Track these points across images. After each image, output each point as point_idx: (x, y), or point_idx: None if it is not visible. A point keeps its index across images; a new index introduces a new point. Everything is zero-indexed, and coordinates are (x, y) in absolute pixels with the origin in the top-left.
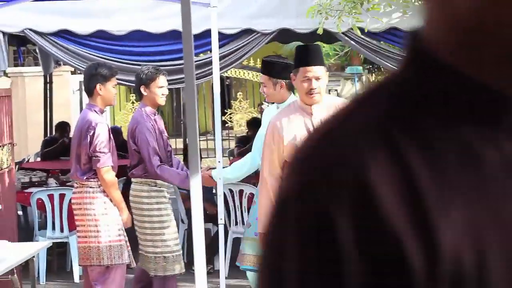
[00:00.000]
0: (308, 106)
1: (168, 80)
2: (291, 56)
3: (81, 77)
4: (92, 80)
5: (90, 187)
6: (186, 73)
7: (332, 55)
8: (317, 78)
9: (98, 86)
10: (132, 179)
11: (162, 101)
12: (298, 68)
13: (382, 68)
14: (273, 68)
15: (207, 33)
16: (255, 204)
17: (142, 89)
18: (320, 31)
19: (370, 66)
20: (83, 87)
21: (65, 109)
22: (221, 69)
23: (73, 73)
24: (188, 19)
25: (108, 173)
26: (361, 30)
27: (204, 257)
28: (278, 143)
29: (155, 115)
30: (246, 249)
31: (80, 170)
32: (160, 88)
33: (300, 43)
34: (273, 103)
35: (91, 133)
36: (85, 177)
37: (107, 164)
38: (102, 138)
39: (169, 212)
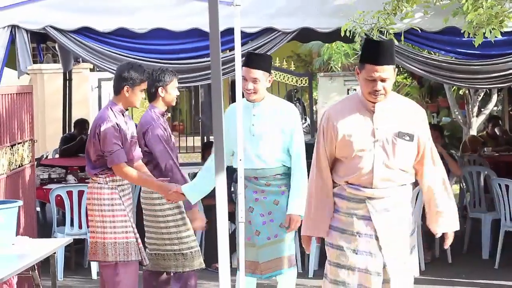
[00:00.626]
0: (370, 102)
1: (187, 78)
2: (309, 55)
3: (100, 75)
4: (121, 80)
5: (98, 183)
6: (213, 71)
7: (352, 54)
8: (383, 80)
9: (126, 88)
10: None
11: (174, 101)
12: (364, 64)
13: (401, 68)
14: (267, 62)
15: (229, 31)
16: (253, 211)
17: (160, 90)
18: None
19: None
20: (102, 84)
21: (83, 106)
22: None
23: (92, 70)
24: (215, 17)
25: (120, 171)
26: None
27: (228, 255)
28: (331, 138)
29: (163, 116)
30: (262, 257)
31: (90, 165)
32: (176, 89)
33: (320, 42)
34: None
35: (97, 131)
36: (94, 173)
37: (116, 161)
38: (107, 136)
39: (182, 210)
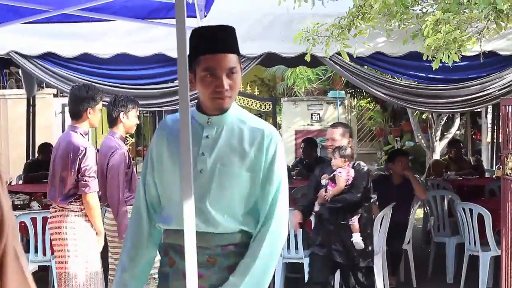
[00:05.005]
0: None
1: (152, 104)
2: (273, 79)
3: (63, 100)
4: (82, 103)
5: (72, 211)
6: (181, 96)
7: (315, 79)
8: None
9: (88, 109)
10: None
11: (133, 129)
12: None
13: (364, 93)
14: (236, 39)
15: None
16: None
17: (121, 115)
18: (308, 58)
19: (353, 90)
20: (66, 110)
21: (47, 131)
22: None
23: (55, 95)
24: (183, 42)
25: (94, 199)
26: (349, 55)
27: (196, 281)
28: None
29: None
30: None
31: (62, 194)
32: (136, 118)
33: (283, 67)
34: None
35: (80, 157)
36: (67, 202)
37: (94, 189)
38: (91, 163)
39: None
